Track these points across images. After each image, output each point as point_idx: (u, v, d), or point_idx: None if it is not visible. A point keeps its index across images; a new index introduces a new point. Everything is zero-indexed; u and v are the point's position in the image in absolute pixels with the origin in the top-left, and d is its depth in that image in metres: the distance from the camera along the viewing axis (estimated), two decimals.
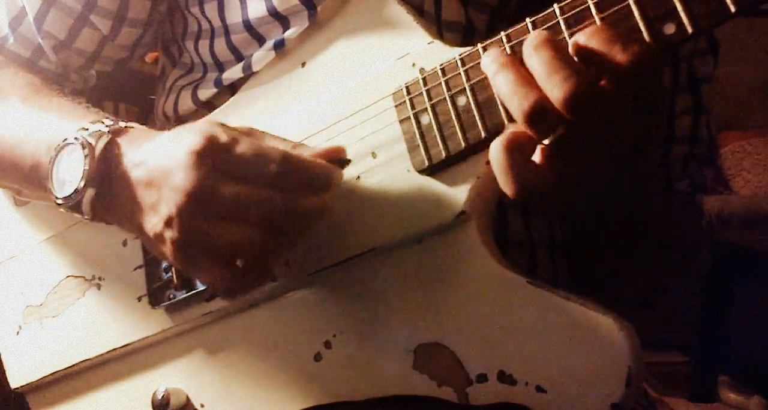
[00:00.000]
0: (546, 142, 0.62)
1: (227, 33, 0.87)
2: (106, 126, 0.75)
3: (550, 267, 0.85)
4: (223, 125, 0.68)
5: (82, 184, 0.73)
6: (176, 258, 0.69)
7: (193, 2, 0.89)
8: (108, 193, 0.74)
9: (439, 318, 0.71)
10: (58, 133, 0.78)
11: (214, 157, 0.66)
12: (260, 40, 0.85)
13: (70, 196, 0.74)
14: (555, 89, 0.58)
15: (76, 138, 0.75)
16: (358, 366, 0.75)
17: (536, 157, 0.63)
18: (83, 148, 0.74)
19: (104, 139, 0.74)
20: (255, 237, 0.66)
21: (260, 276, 0.70)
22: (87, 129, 0.75)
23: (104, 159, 0.73)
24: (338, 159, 0.72)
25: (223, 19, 0.86)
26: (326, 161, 0.70)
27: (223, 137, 0.67)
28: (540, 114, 0.59)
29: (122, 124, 0.77)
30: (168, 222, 0.68)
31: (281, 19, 0.82)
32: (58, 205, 0.76)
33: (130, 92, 1.15)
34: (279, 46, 0.82)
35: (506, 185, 0.63)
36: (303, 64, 0.81)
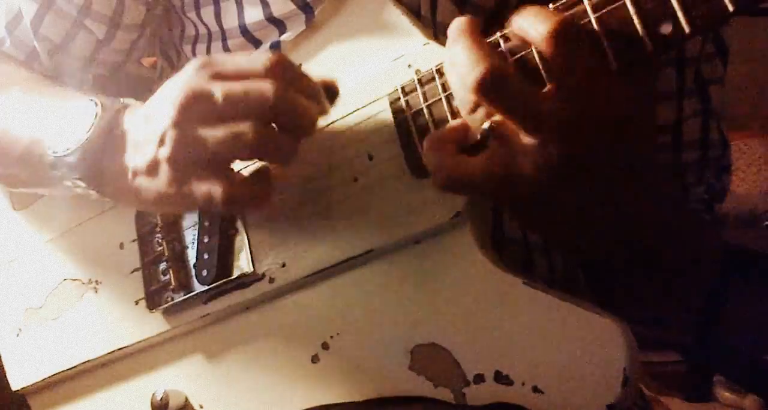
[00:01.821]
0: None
1: (224, 37, 0.87)
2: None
3: (547, 267, 0.85)
4: None
5: (88, 135, 0.73)
6: (170, 180, 0.66)
7: (189, 7, 0.89)
8: (107, 149, 0.73)
9: (436, 319, 0.71)
10: (63, 109, 0.78)
11: (212, 68, 0.66)
12: (257, 44, 0.85)
13: (68, 147, 0.73)
14: (469, 76, 0.59)
15: (90, 99, 0.75)
16: (355, 367, 0.75)
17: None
18: (96, 105, 0.74)
19: (118, 104, 0.75)
20: (250, 131, 0.63)
21: (260, 183, 0.66)
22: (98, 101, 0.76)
23: (114, 118, 0.74)
24: (329, 88, 0.71)
25: (220, 23, 0.86)
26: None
27: (221, 57, 0.67)
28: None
29: (131, 100, 0.77)
30: (162, 140, 0.66)
31: (278, 23, 0.82)
32: (53, 158, 0.75)
33: (129, 96, 1.14)
34: (275, 48, 0.82)
35: (438, 182, 0.65)
36: (299, 66, 0.81)
